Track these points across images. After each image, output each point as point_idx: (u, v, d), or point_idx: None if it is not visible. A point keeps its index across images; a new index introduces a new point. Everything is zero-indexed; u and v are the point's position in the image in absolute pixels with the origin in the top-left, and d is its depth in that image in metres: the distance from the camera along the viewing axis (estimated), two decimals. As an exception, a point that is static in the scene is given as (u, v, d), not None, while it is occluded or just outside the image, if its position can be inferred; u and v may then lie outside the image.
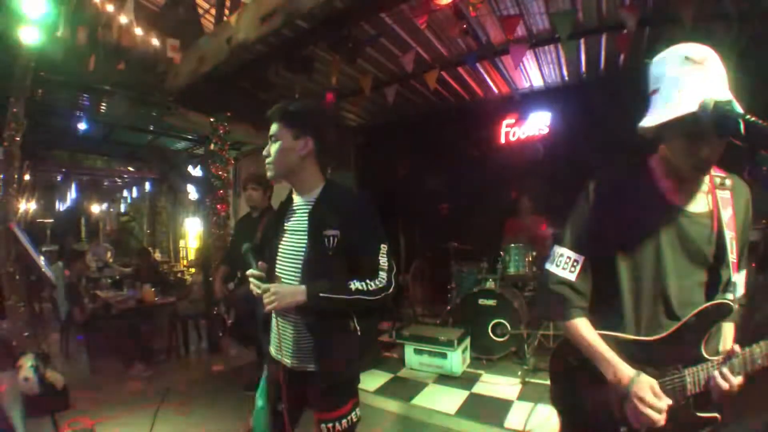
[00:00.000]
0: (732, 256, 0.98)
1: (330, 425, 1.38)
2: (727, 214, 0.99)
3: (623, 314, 1.02)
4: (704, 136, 0.90)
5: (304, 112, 1.41)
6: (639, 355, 0.98)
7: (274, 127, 1.40)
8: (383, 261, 1.33)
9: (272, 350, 1.47)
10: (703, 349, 0.96)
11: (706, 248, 0.99)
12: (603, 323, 1.04)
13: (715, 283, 0.99)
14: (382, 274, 1.32)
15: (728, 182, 1.03)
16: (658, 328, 0.99)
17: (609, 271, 1.03)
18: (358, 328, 1.35)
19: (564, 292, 1.06)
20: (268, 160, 1.41)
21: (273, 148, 1.39)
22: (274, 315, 1.40)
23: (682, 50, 0.93)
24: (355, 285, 1.27)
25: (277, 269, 1.42)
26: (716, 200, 1.01)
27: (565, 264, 1.06)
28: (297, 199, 1.45)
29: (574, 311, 1.05)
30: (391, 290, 1.33)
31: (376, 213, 1.39)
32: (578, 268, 1.05)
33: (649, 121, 0.96)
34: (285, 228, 1.44)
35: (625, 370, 0.95)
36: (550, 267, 1.10)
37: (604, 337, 1.01)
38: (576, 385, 1.08)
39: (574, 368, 1.07)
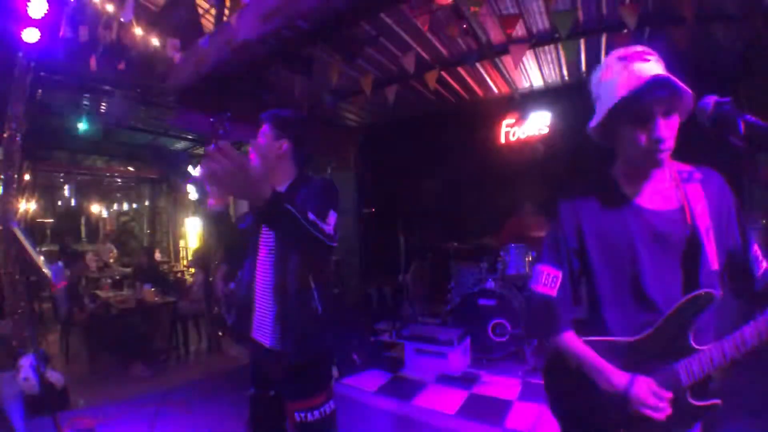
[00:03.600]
0: (709, 245, 0.98)
1: (303, 415, 1.41)
2: (699, 206, 1.00)
3: (609, 319, 1.04)
4: (644, 117, 0.93)
5: (285, 118, 1.58)
6: (630, 356, 0.99)
7: (263, 128, 1.58)
8: (330, 221, 1.33)
9: (253, 333, 1.53)
10: (691, 341, 0.96)
11: (681, 244, 1.00)
12: (592, 330, 1.05)
13: (698, 276, 1.00)
14: (329, 226, 1.31)
15: (696, 175, 1.04)
16: (647, 327, 1.00)
17: (590, 281, 1.07)
18: (318, 308, 1.42)
19: (547, 308, 1.09)
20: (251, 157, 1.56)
21: (256, 144, 1.56)
22: (259, 296, 1.49)
23: (614, 54, 0.99)
24: (312, 216, 1.22)
25: (259, 260, 1.52)
26: (685, 194, 1.02)
27: (545, 281, 1.09)
28: None
29: (559, 325, 1.07)
30: (334, 243, 1.30)
31: (334, 190, 1.47)
32: (558, 282, 1.08)
33: (593, 122, 1.01)
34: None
35: (618, 376, 0.97)
36: (532, 285, 1.13)
37: (593, 343, 1.03)
38: (572, 390, 1.09)
39: (569, 373, 1.08)
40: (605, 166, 1.12)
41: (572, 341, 1.05)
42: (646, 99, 0.91)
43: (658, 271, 1.00)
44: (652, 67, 0.94)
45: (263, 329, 1.48)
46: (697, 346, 0.96)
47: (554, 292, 1.07)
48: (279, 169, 1.56)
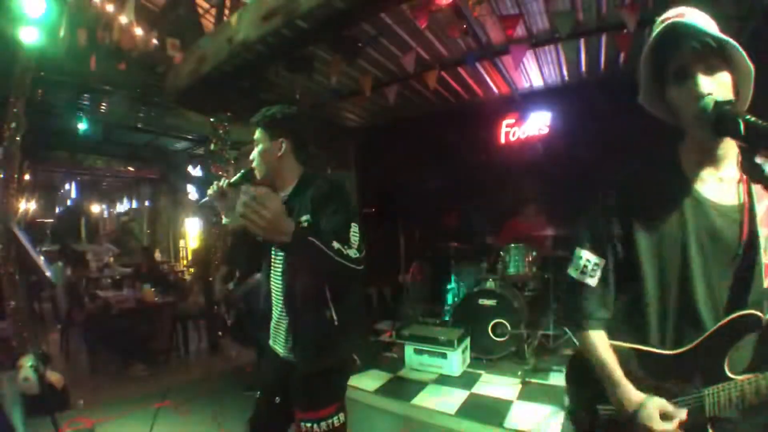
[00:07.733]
0: (766, 257, 0.83)
1: (309, 425, 1.35)
2: (762, 208, 0.85)
3: (648, 324, 0.92)
4: (681, 73, 0.84)
5: (277, 117, 1.52)
6: (659, 371, 0.90)
7: (256, 133, 1.54)
8: (354, 238, 1.30)
9: (270, 341, 1.54)
10: (726, 367, 0.84)
11: (735, 247, 0.85)
12: (626, 333, 0.95)
13: (747, 292, 0.85)
14: (353, 249, 1.28)
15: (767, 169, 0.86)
16: (684, 340, 0.89)
17: (633, 275, 0.93)
18: (335, 318, 1.35)
19: (582, 300, 0.98)
20: (253, 163, 1.54)
21: (255, 151, 1.53)
22: (274, 306, 1.48)
23: (659, 19, 0.90)
24: (336, 244, 1.20)
25: (272, 270, 1.50)
26: (749, 190, 0.87)
27: (584, 268, 0.97)
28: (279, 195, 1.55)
29: (589, 322, 0.97)
30: (360, 267, 1.27)
31: (345, 195, 1.42)
32: (598, 272, 0.96)
33: (641, 93, 0.93)
34: None
35: (631, 395, 0.87)
36: (569, 270, 1.01)
37: (623, 350, 0.93)
38: (592, 391, 0.98)
39: (591, 373, 0.97)
40: (671, 140, 0.95)
41: (598, 345, 0.94)
42: (678, 50, 0.82)
43: (709, 277, 0.87)
44: (683, 16, 0.84)
45: (278, 338, 1.49)
46: (731, 375, 0.84)
47: (594, 282, 0.96)
48: (283, 170, 1.51)
